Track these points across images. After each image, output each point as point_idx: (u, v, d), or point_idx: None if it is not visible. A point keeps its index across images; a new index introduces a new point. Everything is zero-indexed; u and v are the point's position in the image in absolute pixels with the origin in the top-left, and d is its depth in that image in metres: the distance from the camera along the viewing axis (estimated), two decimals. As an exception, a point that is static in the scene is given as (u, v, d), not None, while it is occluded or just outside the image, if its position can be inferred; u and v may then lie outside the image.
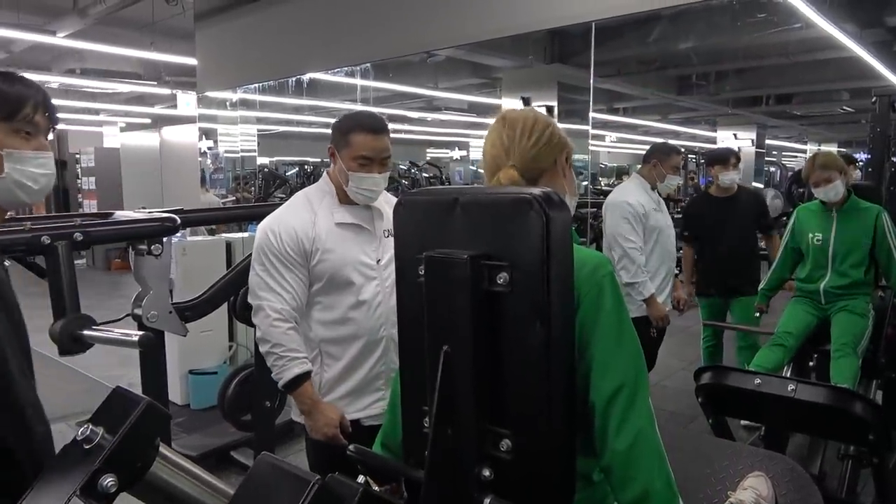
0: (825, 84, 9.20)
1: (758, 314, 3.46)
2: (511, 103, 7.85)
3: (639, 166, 3.76)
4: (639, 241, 3.17)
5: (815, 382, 2.58)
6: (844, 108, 10.82)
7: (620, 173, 16.48)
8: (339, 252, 1.80)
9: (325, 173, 1.94)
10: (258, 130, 10.19)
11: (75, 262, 2.17)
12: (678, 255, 3.83)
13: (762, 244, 4.19)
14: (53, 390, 2.91)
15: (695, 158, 12.86)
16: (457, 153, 16.85)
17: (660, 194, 3.38)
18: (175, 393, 4.08)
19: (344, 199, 1.85)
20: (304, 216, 1.82)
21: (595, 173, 11.60)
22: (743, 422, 3.21)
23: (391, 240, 1.55)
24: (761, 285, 3.40)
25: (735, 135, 13.52)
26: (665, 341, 4.05)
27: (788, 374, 3.04)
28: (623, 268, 3.14)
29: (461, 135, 15.62)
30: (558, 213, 0.97)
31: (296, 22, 5.25)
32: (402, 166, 13.58)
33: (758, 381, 2.38)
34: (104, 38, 6.58)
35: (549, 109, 7.39)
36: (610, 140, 16.41)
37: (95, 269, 10.38)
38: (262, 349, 1.84)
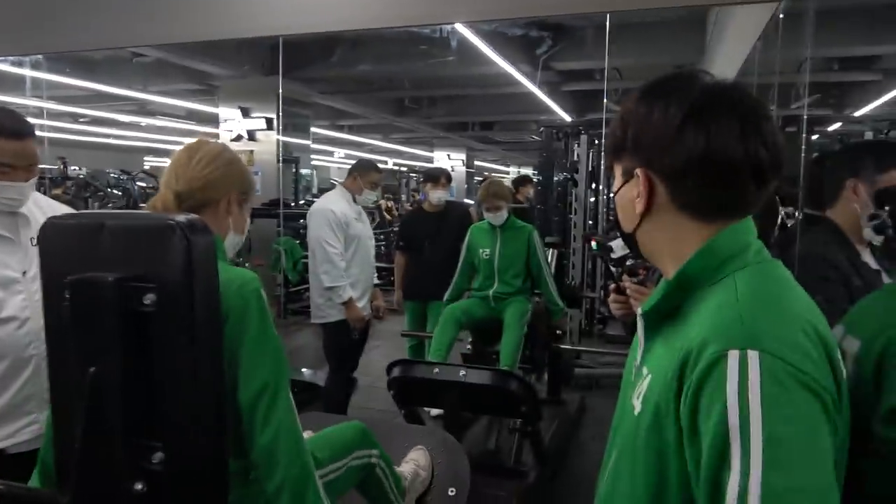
0: (515, 115, 10.68)
1: None
2: (229, 112, 7.68)
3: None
4: (340, 247, 3.35)
5: (481, 367, 2.96)
6: (533, 136, 12.63)
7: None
8: None
9: None
10: None
11: None
12: (391, 266, 4.08)
13: None
14: None
15: (415, 176, 13.97)
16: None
17: (361, 206, 3.60)
18: None
19: None
20: None
21: (324, 188, 11.84)
22: (433, 411, 3.56)
23: None
24: (445, 295, 3.70)
25: (448, 155, 15.06)
26: (379, 346, 4.31)
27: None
28: (325, 272, 3.29)
29: (182, 143, 14.68)
30: (201, 237, 1.07)
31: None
32: (112, 174, 12.22)
33: (436, 370, 2.71)
34: None
35: (269, 122, 7.42)
36: (338, 156, 16.87)
37: None
38: None
